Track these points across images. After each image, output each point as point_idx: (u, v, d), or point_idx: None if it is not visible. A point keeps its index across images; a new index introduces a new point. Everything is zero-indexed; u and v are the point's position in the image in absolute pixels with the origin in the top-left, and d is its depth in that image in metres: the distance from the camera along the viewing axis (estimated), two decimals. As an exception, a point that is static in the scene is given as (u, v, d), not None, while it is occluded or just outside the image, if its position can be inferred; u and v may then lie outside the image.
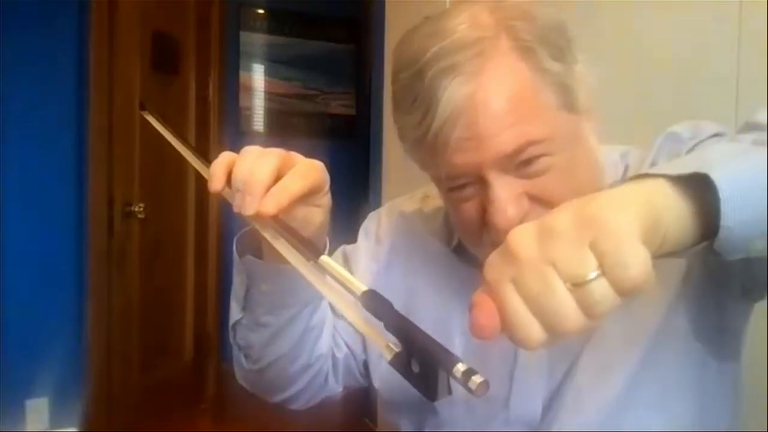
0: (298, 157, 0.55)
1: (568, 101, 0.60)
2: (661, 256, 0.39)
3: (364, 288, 0.38)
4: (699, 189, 0.38)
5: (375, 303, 0.37)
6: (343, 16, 3.80)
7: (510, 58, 0.57)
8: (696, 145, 0.60)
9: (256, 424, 2.92)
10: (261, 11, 3.71)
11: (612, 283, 0.34)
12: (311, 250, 0.44)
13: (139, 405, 2.78)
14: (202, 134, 3.22)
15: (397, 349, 0.36)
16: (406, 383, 0.71)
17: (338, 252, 0.81)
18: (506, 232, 0.55)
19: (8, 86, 2.45)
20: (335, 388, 0.80)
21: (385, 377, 0.75)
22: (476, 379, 0.32)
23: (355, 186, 2.93)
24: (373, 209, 0.85)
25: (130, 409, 2.74)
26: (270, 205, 0.50)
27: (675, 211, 0.39)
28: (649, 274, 0.34)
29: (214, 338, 3.30)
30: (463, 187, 0.61)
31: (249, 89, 3.70)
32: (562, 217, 0.36)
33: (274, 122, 3.66)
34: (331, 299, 0.41)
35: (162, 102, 2.96)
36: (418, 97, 0.58)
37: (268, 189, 0.51)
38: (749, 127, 0.50)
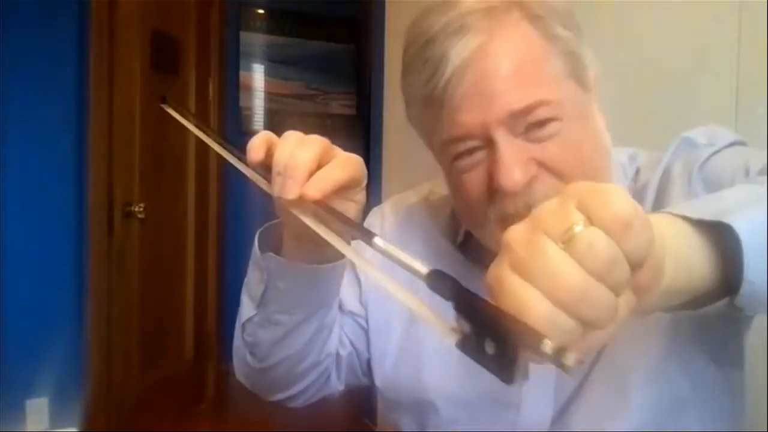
0: (338, 149, 0.56)
1: (576, 72, 0.60)
2: (675, 301, 0.37)
3: (427, 268, 0.35)
4: (720, 236, 0.37)
5: (442, 283, 0.34)
6: (343, 16, 3.80)
7: (521, 25, 0.58)
8: (714, 153, 0.58)
9: (256, 424, 2.92)
10: (261, 11, 3.71)
11: (602, 227, 0.31)
12: (364, 232, 0.41)
13: (139, 405, 2.78)
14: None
15: (465, 331, 0.33)
16: (408, 383, 0.71)
17: None
18: (512, 197, 0.57)
19: (8, 86, 2.45)
20: (337, 386, 0.79)
21: (387, 376, 0.75)
22: (570, 357, 0.29)
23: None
24: (373, 208, 0.85)
25: (130, 409, 2.74)
26: (314, 190, 0.50)
27: (690, 249, 0.37)
28: (638, 217, 0.31)
29: (214, 338, 3.30)
30: (468, 153, 0.60)
31: (249, 89, 3.70)
32: (550, 201, 0.35)
33: (274, 122, 3.66)
34: (384, 283, 0.38)
35: (162, 102, 2.96)
36: (429, 59, 0.58)
37: (310, 174, 0.51)
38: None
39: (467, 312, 0.33)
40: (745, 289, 0.37)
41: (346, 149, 0.58)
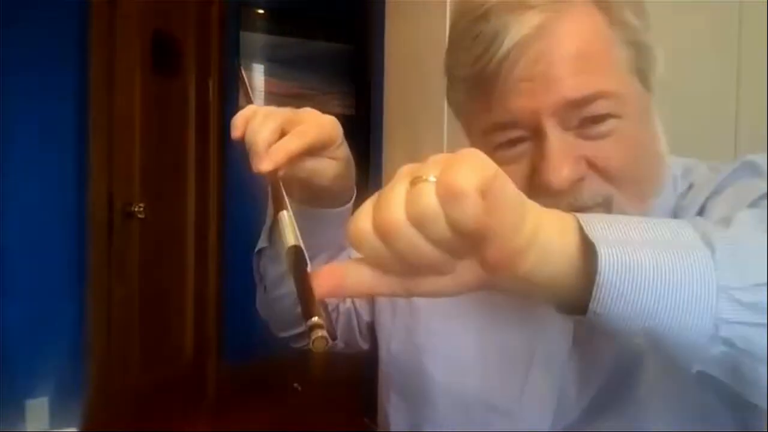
0: (305, 116, 0.58)
1: (641, 66, 0.56)
2: (536, 293, 0.39)
3: (292, 243, 0.43)
4: (592, 257, 0.36)
5: (294, 258, 0.41)
6: (343, 16, 3.80)
7: (588, 5, 0.54)
8: None
9: (256, 425, 2.93)
10: (261, 11, 3.71)
11: (436, 186, 0.34)
12: (278, 203, 0.50)
13: (139, 405, 2.78)
14: (202, 134, 3.22)
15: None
16: (410, 369, 0.71)
17: None
18: (557, 195, 0.53)
19: (8, 86, 2.45)
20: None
21: (392, 356, 0.74)
22: (316, 333, 0.35)
23: (355, 187, 2.92)
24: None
25: (130, 409, 2.74)
26: (266, 163, 0.54)
27: (563, 254, 0.37)
28: (470, 200, 0.33)
29: (214, 338, 3.30)
30: (512, 144, 0.56)
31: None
32: (440, 154, 0.37)
33: (274, 122, 3.66)
34: (284, 246, 0.45)
35: (162, 102, 2.97)
36: (481, 33, 0.53)
37: (268, 148, 0.55)
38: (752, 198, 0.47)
39: (296, 285, 0.39)
40: (589, 315, 0.37)
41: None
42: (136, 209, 2.74)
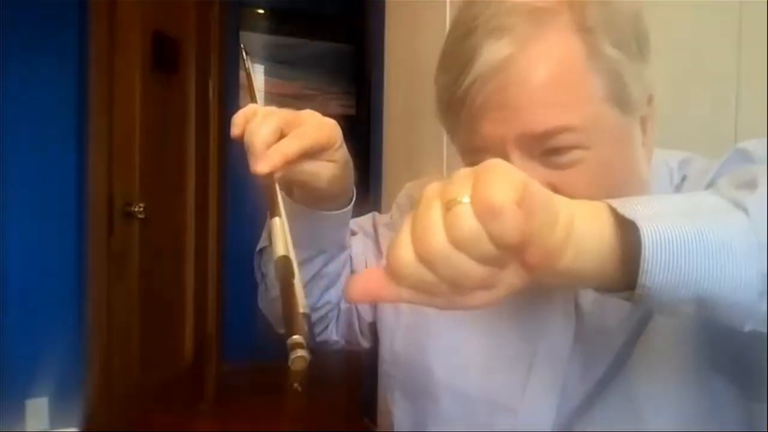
0: (305, 118, 0.58)
1: (618, 95, 0.55)
2: (577, 283, 0.40)
3: (282, 253, 0.43)
4: (632, 236, 0.38)
5: (282, 268, 0.42)
6: (343, 16, 3.81)
7: (566, 32, 0.53)
8: None
9: (256, 425, 2.93)
10: (261, 11, 3.71)
11: (473, 207, 0.34)
12: (273, 209, 0.49)
13: (139, 405, 2.78)
14: (203, 134, 3.22)
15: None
16: (413, 366, 0.71)
17: (368, 217, 0.83)
18: None
19: (8, 86, 2.45)
20: (333, 336, 0.81)
21: (395, 354, 0.74)
22: (296, 353, 0.36)
23: (354, 186, 2.93)
24: (373, 209, 0.85)
25: (130, 410, 2.74)
26: (264, 165, 0.54)
27: (600, 240, 0.38)
28: (509, 214, 0.33)
29: (214, 338, 3.30)
30: None
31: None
32: (464, 170, 0.37)
33: (274, 122, 3.66)
34: (275, 254, 0.44)
35: (162, 102, 2.97)
36: (461, 55, 0.54)
37: (268, 149, 0.54)
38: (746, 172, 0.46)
39: (281, 296, 0.39)
40: (639, 290, 0.38)
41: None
42: (136, 209, 2.74)
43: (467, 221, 0.34)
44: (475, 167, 0.36)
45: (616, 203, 0.39)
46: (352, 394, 2.93)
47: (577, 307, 0.63)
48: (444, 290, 0.36)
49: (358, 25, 3.70)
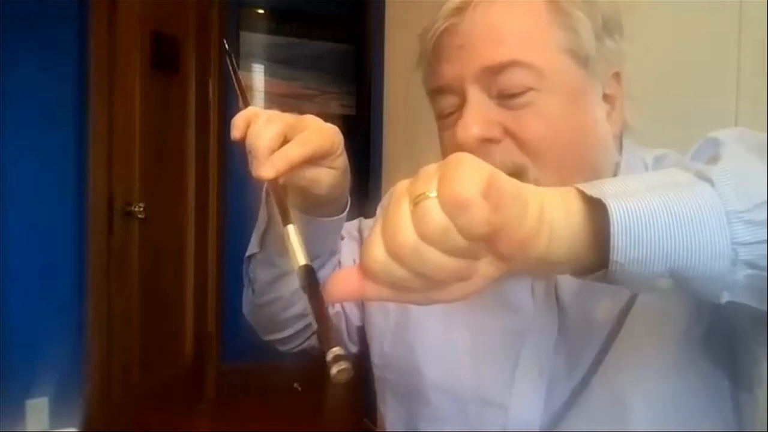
0: (308, 123, 0.58)
1: (576, 50, 0.58)
2: (552, 268, 0.40)
3: (303, 262, 0.42)
4: (601, 215, 0.38)
5: (305, 277, 0.41)
6: (343, 16, 3.80)
7: None
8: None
9: (256, 425, 2.93)
10: (261, 11, 3.71)
11: (440, 201, 0.34)
12: (285, 216, 0.48)
13: (139, 405, 2.78)
14: (202, 134, 3.22)
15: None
16: (403, 366, 0.72)
17: (355, 222, 0.82)
18: (461, 148, 0.57)
19: (8, 86, 2.45)
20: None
21: (385, 356, 0.75)
22: (339, 365, 0.34)
23: (354, 186, 2.93)
24: (373, 209, 0.85)
25: (130, 409, 2.74)
26: (268, 170, 0.53)
27: (571, 223, 0.39)
28: (476, 206, 0.34)
29: (214, 338, 3.30)
30: (449, 113, 0.61)
31: (249, 89, 3.70)
32: (431, 165, 0.37)
33: (274, 122, 3.65)
34: (295, 264, 0.44)
35: (162, 102, 2.97)
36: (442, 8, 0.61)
37: (270, 153, 0.54)
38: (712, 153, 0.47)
39: (311, 307, 0.38)
40: (612, 267, 0.38)
41: (345, 149, 0.60)
42: (136, 209, 2.74)
43: (434, 215, 0.34)
44: (441, 162, 0.36)
45: (583, 186, 0.40)
46: (352, 394, 2.93)
47: (558, 300, 0.64)
48: (418, 285, 0.36)
49: (358, 25, 3.70)
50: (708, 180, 0.39)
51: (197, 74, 3.17)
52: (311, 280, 0.40)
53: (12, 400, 2.48)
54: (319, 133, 0.58)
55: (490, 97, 0.58)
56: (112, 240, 2.68)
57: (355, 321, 0.79)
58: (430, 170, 0.36)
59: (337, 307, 0.79)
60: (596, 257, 0.39)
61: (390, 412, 0.76)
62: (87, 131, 2.61)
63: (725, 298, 0.39)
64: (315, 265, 0.71)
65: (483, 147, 0.58)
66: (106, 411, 2.66)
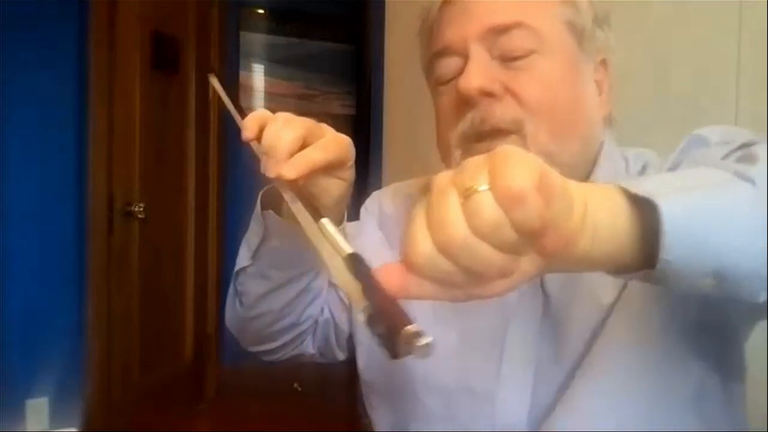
0: (326, 130, 0.58)
1: (575, 22, 0.63)
2: (593, 267, 0.40)
3: (350, 251, 0.40)
4: (648, 213, 0.38)
5: (355, 265, 0.39)
6: (343, 16, 3.80)
7: None
8: (731, 152, 0.57)
9: (256, 425, 2.93)
10: (261, 11, 3.71)
11: (494, 194, 0.33)
12: (316, 212, 0.48)
13: (139, 405, 2.78)
14: (202, 134, 3.22)
15: (371, 312, 0.38)
16: (389, 366, 0.72)
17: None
18: (471, 107, 0.60)
19: (8, 86, 2.45)
20: (309, 350, 0.81)
21: (372, 358, 0.75)
22: (422, 341, 0.33)
23: (354, 186, 2.93)
24: (374, 192, 0.86)
25: (130, 409, 2.74)
26: (290, 171, 0.53)
27: (615, 221, 0.39)
28: (531, 199, 0.33)
29: (214, 339, 3.30)
30: (451, 80, 0.63)
31: (249, 89, 3.70)
32: (477, 156, 0.36)
33: (274, 122, 3.65)
34: (326, 260, 0.43)
35: (162, 102, 2.97)
36: None
37: (290, 155, 0.54)
38: (746, 152, 0.48)
39: (367, 293, 0.37)
40: (660, 266, 0.38)
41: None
42: (136, 209, 2.74)
43: (489, 209, 0.33)
44: (488, 154, 0.36)
45: (625, 184, 0.40)
46: (351, 395, 2.93)
47: (544, 289, 0.65)
48: (462, 281, 0.36)
49: (358, 25, 3.70)
50: (749, 180, 0.40)
51: (197, 74, 3.16)
52: (363, 267, 0.39)
53: (12, 400, 2.48)
54: (337, 142, 0.58)
55: (492, 58, 0.61)
56: (112, 240, 2.68)
57: (346, 329, 0.79)
58: (477, 162, 0.35)
59: (326, 314, 0.79)
60: (639, 255, 0.39)
61: (379, 416, 0.77)
62: (87, 131, 2.61)
63: (762, 297, 0.40)
64: (310, 276, 0.72)
65: (484, 100, 0.60)
66: (106, 411, 2.66)
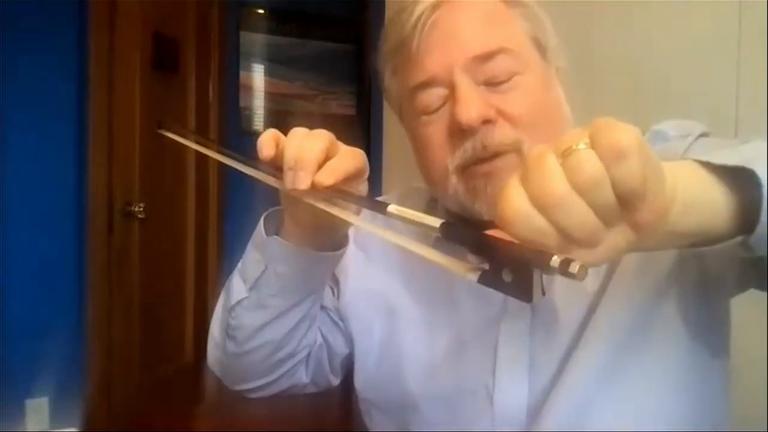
0: (340, 143, 0.59)
1: (536, 39, 0.65)
2: (683, 242, 0.41)
3: (441, 221, 0.39)
4: (740, 183, 0.40)
5: (455, 231, 0.38)
6: (343, 16, 3.80)
7: None
8: (691, 145, 0.60)
9: (256, 425, 2.92)
10: (261, 11, 3.71)
11: (597, 151, 0.34)
12: (377, 204, 0.47)
13: (139, 405, 2.78)
14: (202, 134, 3.22)
15: (484, 267, 0.37)
16: (389, 382, 0.72)
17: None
18: (470, 136, 0.61)
19: (8, 86, 2.45)
20: (303, 380, 0.79)
21: (370, 375, 0.75)
22: (575, 266, 0.32)
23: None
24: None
25: (130, 409, 2.74)
26: (328, 177, 0.53)
27: (705, 194, 0.40)
28: (639, 153, 0.34)
29: (214, 338, 3.29)
30: (438, 109, 0.64)
31: (249, 89, 3.70)
32: (574, 129, 0.37)
33: (274, 122, 3.66)
34: (406, 244, 0.42)
35: (162, 102, 2.96)
36: (404, 10, 0.65)
37: (319, 165, 0.54)
38: None
39: (482, 250, 0.37)
40: (760, 229, 0.40)
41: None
42: (136, 209, 2.74)
43: (591, 163, 0.34)
44: (586, 125, 0.36)
45: (706, 157, 0.41)
46: (351, 395, 2.93)
47: None
48: (552, 242, 0.35)
49: (358, 25, 3.70)
50: None
51: (197, 74, 3.17)
52: (464, 228, 0.38)
53: (12, 400, 2.48)
54: (357, 153, 0.58)
55: (477, 84, 0.62)
56: (112, 240, 2.68)
57: (341, 350, 0.79)
58: (575, 131, 0.36)
59: (320, 339, 0.78)
60: (730, 225, 0.41)
61: (379, 428, 0.77)
62: (87, 131, 2.61)
63: None
64: (311, 301, 0.70)
65: (484, 127, 0.61)
66: (106, 411, 2.66)
